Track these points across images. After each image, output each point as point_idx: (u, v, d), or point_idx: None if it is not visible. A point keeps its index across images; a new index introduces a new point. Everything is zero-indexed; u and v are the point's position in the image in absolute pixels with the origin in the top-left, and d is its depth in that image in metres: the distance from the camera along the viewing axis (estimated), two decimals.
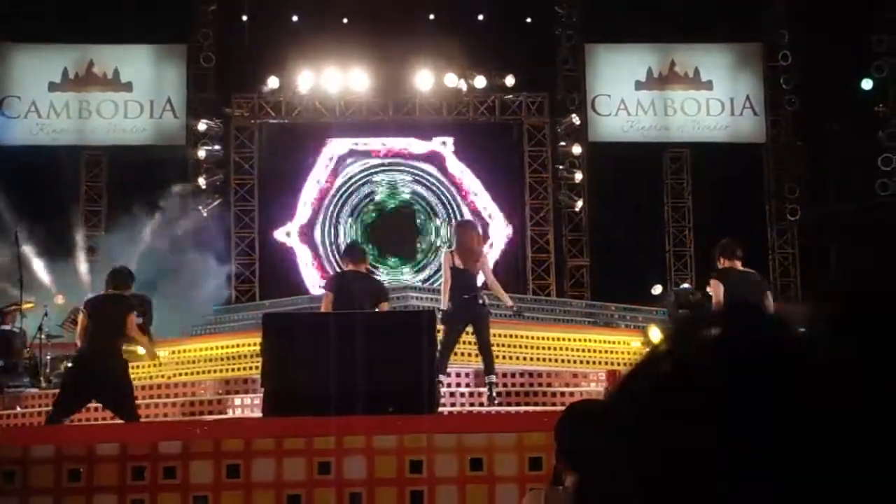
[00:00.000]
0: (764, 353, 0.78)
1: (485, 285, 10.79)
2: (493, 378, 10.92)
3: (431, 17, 18.70)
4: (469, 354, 11.44)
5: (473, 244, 10.59)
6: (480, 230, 10.86)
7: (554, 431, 3.54)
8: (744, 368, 0.77)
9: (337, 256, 18.47)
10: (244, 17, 18.85)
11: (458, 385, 11.59)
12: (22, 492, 6.84)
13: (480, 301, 10.40)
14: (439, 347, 10.36)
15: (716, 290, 9.82)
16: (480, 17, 18.96)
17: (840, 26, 17.48)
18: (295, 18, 18.73)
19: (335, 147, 19.13)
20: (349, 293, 9.46)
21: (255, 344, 10.79)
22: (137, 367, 11.97)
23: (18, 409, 12.21)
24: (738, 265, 10.05)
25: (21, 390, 13.20)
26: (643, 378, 0.83)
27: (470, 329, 10.56)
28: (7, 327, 14.07)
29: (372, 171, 19.42)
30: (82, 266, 16.77)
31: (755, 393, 0.75)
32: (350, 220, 19.29)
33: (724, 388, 0.77)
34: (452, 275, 10.20)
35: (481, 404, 11.01)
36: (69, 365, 10.70)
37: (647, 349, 0.86)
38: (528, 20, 19.36)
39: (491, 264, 11.15)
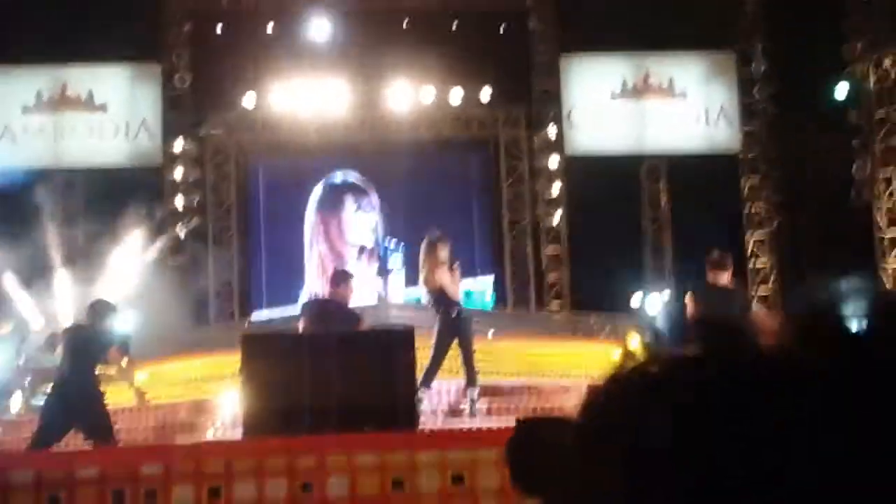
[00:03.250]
0: (730, 374, 0.79)
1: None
2: (475, 392, 10.94)
3: (405, 24, 18.71)
4: (450, 370, 11.44)
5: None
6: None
7: (505, 452, 3.40)
8: (709, 392, 0.78)
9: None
10: (219, 27, 18.77)
11: (440, 401, 11.58)
12: None
13: (464, 314, 10.50)
14: (428, 362, 10.41)
15: (689, 306, 9.65)
16: (455, 29, 18.97)
17: (812, 35, 17.60)
18: (268, 37, 18.67)
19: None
20: (322, 320, 9.45)
21: (233, 364, 10.73)
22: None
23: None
24: (723, 280, 9.80)
25: None
26: (612, 394, 0.84)
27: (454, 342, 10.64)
28: None
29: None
30: (58, 289, 16.67)
31: (723, 415, 0.76)
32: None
33: (690, 409, 0.77)
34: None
35: (462, 419, 11.00)
36: (47, 394, 10.66)
37: (618, 364, 0.87)
38: (503, 33, 19.43)
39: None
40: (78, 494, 6.87)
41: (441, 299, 10.41)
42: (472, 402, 10.87)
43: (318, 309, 10.03)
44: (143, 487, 6.86)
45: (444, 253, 10.59)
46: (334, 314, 9.65)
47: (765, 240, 19.11)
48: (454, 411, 11.40)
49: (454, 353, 10.90)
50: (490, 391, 12.15)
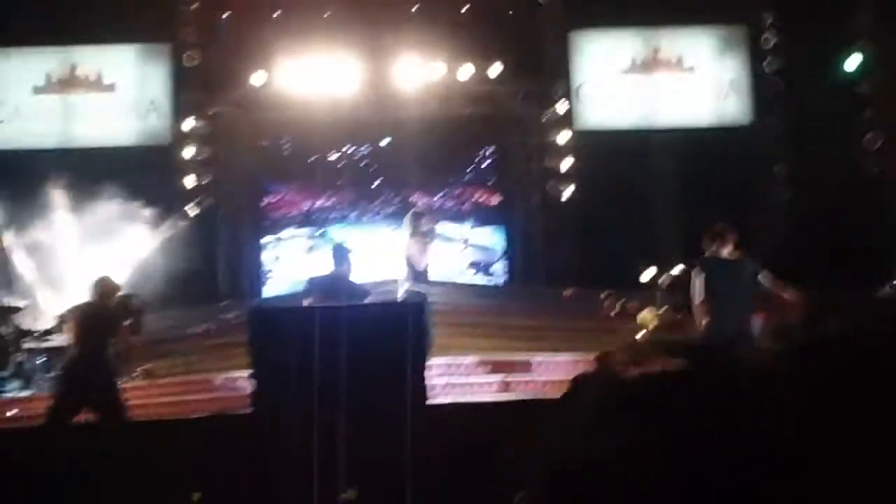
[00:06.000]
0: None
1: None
2: None
3: (415, 8, 18.68)
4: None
5: None
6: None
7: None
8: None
9: None
10: (225, 15, 18.78)
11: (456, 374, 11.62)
12: None
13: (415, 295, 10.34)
14: None
15: (694, 281, 9.51)
16: (464, 9, 18.91)
17: (823, 7, 17.49)
18: (277, 14, 18.63)
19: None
20: (329, 295, 9.42)
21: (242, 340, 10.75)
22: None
23: (16, 411, 12.15)
24: (725, 252, 9.67)
25: (13, 394, 13.19)
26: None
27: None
28: (6, 331, 14.05)
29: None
30: (69, 269, 16.70)
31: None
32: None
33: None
34: None
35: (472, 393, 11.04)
36: (59, 373, 10.70)
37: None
38: (512, 9, 19.35)
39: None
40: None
41: (410, 272, 10.35)
42: None
43: (324, 284, 9.99)
44: None
45: (424, 226, 10.54)
46: (342, 289, 9.65)
47: (775, 211, 18.99)
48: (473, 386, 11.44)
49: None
50: (501, 366, 12.19)
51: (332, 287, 9.73)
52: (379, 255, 16.61)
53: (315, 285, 10.10)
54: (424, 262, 10.36)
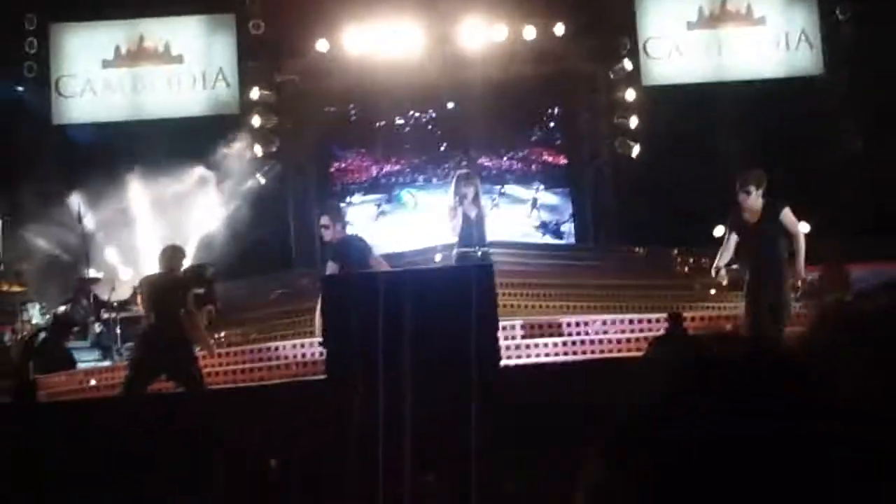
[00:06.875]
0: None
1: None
2: None
3: None
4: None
5: None
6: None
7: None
8: None
9: None
10: None
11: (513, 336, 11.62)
12: None
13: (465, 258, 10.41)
14: None
15: (794, 220, 9.88)
16: None
17: None
18: None
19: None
20: (349, 258, 9.60)
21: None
22: None
23: (92, 382, 12.44)
24: None
25: (92, 364, 13.49)
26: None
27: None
28: (85, 303, 14.38)
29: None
30: (143, 239, 16.96)
31: None
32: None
33: None
34: None
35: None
36: (135, 343, 10.92)
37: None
38: None
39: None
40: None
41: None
42: None
43: (337, 251, 10.08)
44: None
45: (466, 190, 10.52)
46: (355, 245, 9.88)
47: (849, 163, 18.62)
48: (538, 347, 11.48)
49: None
50: (573, 326, 12.18)
51: (348, 249, 9.92)
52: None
53: (335, 254, 10.16)
54: (454, 225, 10.40)
